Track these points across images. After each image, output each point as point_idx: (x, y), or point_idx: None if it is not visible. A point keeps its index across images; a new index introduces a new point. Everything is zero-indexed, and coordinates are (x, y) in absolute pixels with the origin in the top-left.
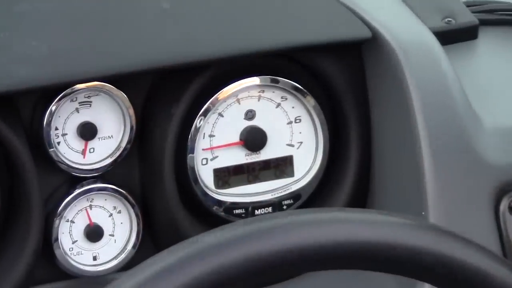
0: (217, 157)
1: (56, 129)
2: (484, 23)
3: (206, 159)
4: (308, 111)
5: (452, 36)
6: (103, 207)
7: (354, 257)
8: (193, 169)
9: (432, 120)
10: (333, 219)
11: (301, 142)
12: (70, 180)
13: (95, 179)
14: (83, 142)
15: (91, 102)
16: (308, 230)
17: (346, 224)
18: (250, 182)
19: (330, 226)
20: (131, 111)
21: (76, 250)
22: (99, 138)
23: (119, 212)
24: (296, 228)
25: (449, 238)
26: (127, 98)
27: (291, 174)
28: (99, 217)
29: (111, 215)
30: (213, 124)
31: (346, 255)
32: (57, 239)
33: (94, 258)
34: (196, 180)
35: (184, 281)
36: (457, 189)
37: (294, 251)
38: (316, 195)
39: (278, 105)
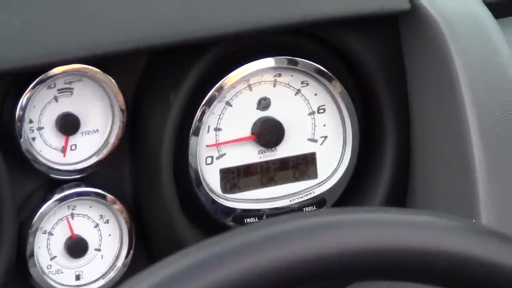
0: (224, 154)
1: (31, 121)
2: None
3: (211, 157)
4: (334, 99)
5: (508, 8)
6: (87, 216)
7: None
8: (195, 170)
9: (484, 108)
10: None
11: (326, 137)
12: (48, 184)
13: (78, 182)
14: (63, 137)
15: (72, 89)
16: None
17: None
18: (264, 185)
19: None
20: (121, 99)
21: (55, 268)
22: (82, 132)
23: (107, 222)
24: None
25: None
26: (116, 84)
27: (313, 175)
28: (83, 228)
29: (97, 225)
30: (220, 116)
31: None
32: (32, 254)
33: (77, 277)
34: (199, 183)
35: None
36: None
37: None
38: (343, 201)
39: (298, 91)
